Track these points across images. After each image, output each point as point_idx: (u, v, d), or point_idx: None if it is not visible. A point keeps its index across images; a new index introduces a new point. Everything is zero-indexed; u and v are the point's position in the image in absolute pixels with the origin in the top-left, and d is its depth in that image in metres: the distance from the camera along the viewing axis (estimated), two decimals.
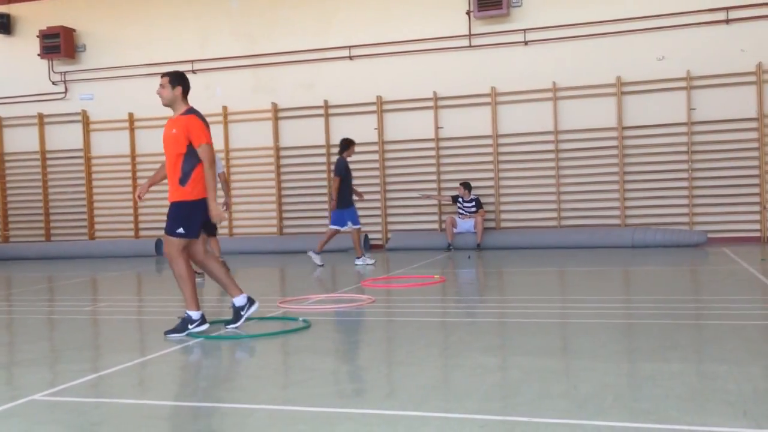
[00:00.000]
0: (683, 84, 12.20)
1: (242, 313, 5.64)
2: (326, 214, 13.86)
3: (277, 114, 14.09)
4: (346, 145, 10.80)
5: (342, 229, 10.66)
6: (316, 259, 10.67)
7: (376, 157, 13.64)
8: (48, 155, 15.27)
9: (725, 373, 3.78)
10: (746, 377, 3.69)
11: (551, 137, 12.80)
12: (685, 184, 12.33)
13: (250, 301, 5.70)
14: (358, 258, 10.73)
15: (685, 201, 12.34)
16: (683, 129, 12.26)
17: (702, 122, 12.18)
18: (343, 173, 10.61)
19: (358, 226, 10.76)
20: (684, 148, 12.29)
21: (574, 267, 9.68)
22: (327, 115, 13.82)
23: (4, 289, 9.73)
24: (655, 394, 3.43)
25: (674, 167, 12.38)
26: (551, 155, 12.85)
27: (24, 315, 7.11)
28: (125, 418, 3.43)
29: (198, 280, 9.60)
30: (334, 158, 13.79)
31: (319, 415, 3.29)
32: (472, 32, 13.10)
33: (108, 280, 9.99)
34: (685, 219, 12.32)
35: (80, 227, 15.21)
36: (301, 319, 5.79)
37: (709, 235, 11.91)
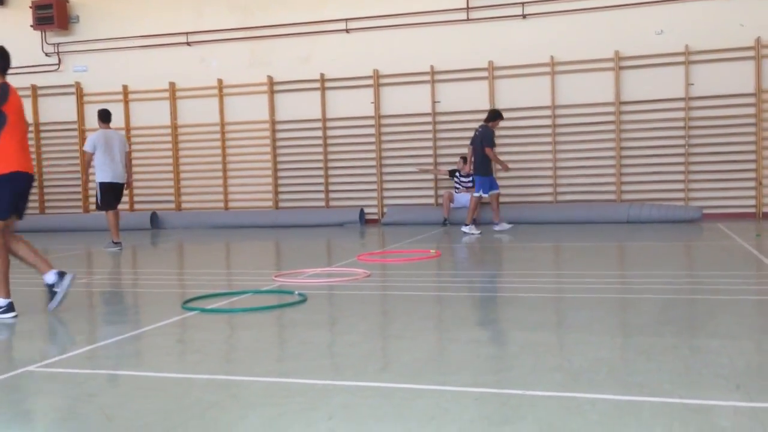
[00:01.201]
0: (681, 59, 12.14)
1: (55, 289, 5.38)
2: (322, 188, 13.85)
3: (272, 87, 14.00)
4: (495, 115, 11.15)
5: (485, 195, 11.16)
6: (473, 229, 10.94)
7: (372, 131, 13.59)
8: (42, 127, 15.17)
9: (718, 348, 3.80)
10: (739, 352, 3.71)
11: (548, 112, 12.76)
12: (681, 159, 12.32)
13: (61, 275, 5.40)
14: (496, 224, 11.36)
15: (681, 177, 12.35)
16: (681, 104, 12.22)
17: (700, 97, 12.14)
18: (493, 143, 11.07)
19: (497, 191, 11.37)
20: (681, 124, 12.27)
21: (570, 242, 9.70)
22: (323, 89, 13.74)
23: None
24: (648, 368, 3.45)
25: (671, 143, 12.37)
26: (548, 130, 12.81)
27: (19, 287, 7.10)
28: (121, 390, 3.44)
29: (116, 249, 10.14)
30: (331, 132, 13.81)
31: (314, 388, 3.30)
32: (470, 5, 12.99)
33: (102, 253, 9.97)
34: (681, 195, 12.33)
35: (75, 200, 15.16)
36: (296, 292, 5.80)
37: (705, 211, 11.94)
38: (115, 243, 10.28)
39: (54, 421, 3.03)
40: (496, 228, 11.30)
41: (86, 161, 10.66)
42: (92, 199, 11.52)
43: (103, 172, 10.32)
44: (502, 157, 13.05)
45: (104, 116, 10.63)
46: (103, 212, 10.56)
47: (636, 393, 3.05)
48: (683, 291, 5.71)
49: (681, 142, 12.31)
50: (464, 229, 11.07)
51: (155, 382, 3.53)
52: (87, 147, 10.42)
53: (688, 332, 4.36)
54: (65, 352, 4.13)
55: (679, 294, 5.53)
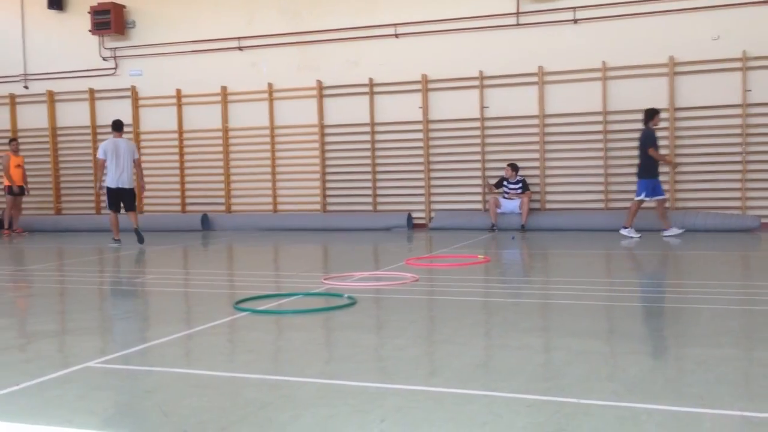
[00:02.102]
0: (739, 65, 11.85)
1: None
2: (369, 192, 13.89)
3: (321, 91, 14.11)
4: (651, 114, 10.95)
5: (647, 199, 10.90)
6: (632, 233, 10.86)
7: (420, 136, 13.58)
8: (98, 130, 15.54)
9: None
10: None
11: (600, 118, 12.58)
12: (738, 167, 12.01)
13: None
14: (666, 230, 11.03)
15: (737, 185, 12.04)
16: (737, 111, 11.93)
17: (757, 104, 11.83)
18: (656, 143, 10.87)
19: (663, 197, 11.05)
20: (738, 131, 11.97)
21: (622, 249, 9.54)
22: (372, 93, 13.79)
23: (57, 259, 10.00)
24: (706, 378, 3.37)
25: (727, 150, 12.07)
26: (599, 136, 12.63)
27: (76, 285, 7.30)
28: (176, 387, 3.50)
29: (114, 245, 11.06)
30: (379, 136, 13.85)
31: (365, 390, 3.31)
32: (520, 10, 12.90)
33: (156, 253, 10.18)
34: (738, 203, 12.03)
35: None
36: (345, 295, 5.82)
37: (763, 220, 11.62)
38: (116, 240, 11.32)
39: (113, 416, 3.10)
40: (666, 234, 10.92)
41: (99, 166, 11.38)
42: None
43: (108, 177, 11.14)
44: (549, 163, 12.95)
45: (116, 126, 11.49)
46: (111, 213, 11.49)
47: (695, 404, 2.99)
48: (741, 302, 5.57)
49: (737, 149, 12.01)
50: (623, 232, 10.93)
51: (209, 381, 3.59)
52: (99, 154, 11.24)
53: (747, 343, 4.25)
54: (123, 350, 4.22)
55: (736, 304, 5.40)
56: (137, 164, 11.52)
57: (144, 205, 15.39)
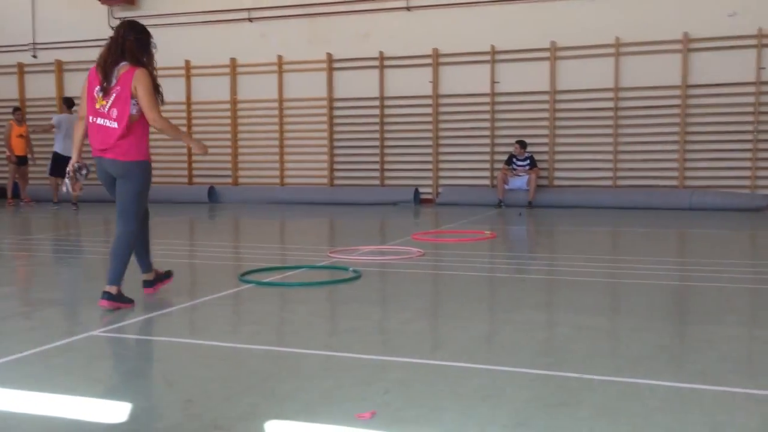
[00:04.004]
0: (754, 42, 11.70)
1: None
2: (377, 167, 13.85)
3: (331, 64, 14.02)
4: None
5: None
6: None
7: (429, 110, 13.50)
8: None
9: None
10: None
11: (611, 94, 12.47)
12: (748, 146, 11.91)
13: None
14: None
15: (747, 164, 11.95)
16: (751, 89, 11.80)
17: None
18: None
19: None
20: (750, 109, 11.85)
21: (629, 228, 9.50)
22: (382, 67, 13.69)
23: (64, 229, 10.04)
24: (710, 356, 3.36)
25: (738, 128, 11.96)
26: (610, 113, 12.53)
27: (81, 255, 7.33)
28: (182, 356, 3.52)
29: (56, 208, 12.76)
30: (388, 111, 13.77)
31: (370, 363, 3.32)
32: None
33: (162, 225, 10.20)
34: (747, 182, 11.94)
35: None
36: (351, 269, 5.82)
37: None
38: (55, 203, 13.23)
39: (117, 385, 3.12)
40: None
41: (46, 128, 13.42)
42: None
43: (60, 144, 12.79)
44: (559, 140, 12.87)
45: (69, 103, 13.19)
46: (52, 178, 13.06)
47: (698, 381, 2.98)
48: (746, 280, 5.54)
49: (749, 127, 11.90)
50: None
51: (214, 351, 3.60)
52: (54, 120, 12.95)
53: (752, 322, 4.24)
54: (127, 319, 4.24)
55: (741, 283, 5.37)
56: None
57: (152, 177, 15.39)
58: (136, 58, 4.55)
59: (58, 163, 12.53)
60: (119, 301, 4.47)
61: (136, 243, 4.78)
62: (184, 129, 15.02)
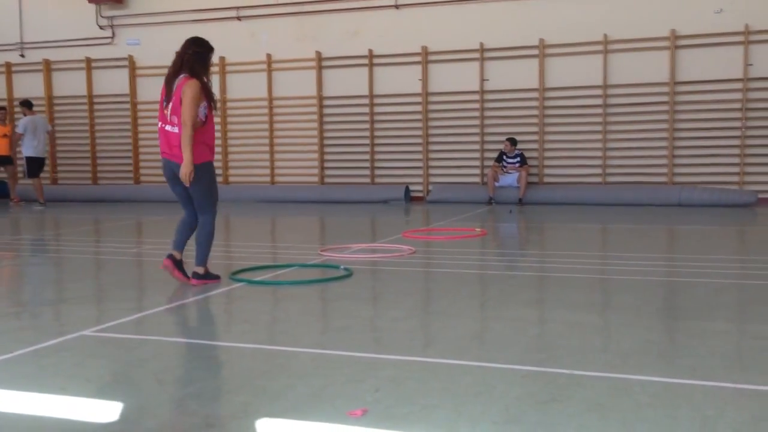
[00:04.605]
0: (741, 38, 11.77)
1: None
2: (367, 165, 13.85)
3: (321, 63, 14.00)
4: None
5: None
6: None
7: (419, 108, 13.51)
8: (95, 99, 15.46)
9: None
10: None
11: (600, 92, 12.51)
12: (736, 142, 11.98)
13: None
14: None
15: (736, 160, 12.02)
16: (738, 85, 11.86)
17: (758, 78, 11.76)
18: None
19: None
20: (738, 105, 11.92)
21: (618, 224, 9.55)
22: (371, 65, 13.69)
23: (53, 229, 9.99)
24: (700, 351, 3.39)
25: (726, 125, 12.03)
26: (599, 110, 12.57)
27: (72, 255, 7.30)
28: (172, 356, 3.51)
29: (42, 208, 12.82)
30: (378, 109, 13.77)
31: (361, 360, 3.32)
32: None
33: (153, 224, 10.18)
34: (735, 178, 12.01)
35: (126, 171, 15.45)
36: (342, 267, 5.83)
37: (760, 195, 11.62)
38: (41, 204, 13.15)
39: (108, 384, 3.12)
40: None
41: (16, 140, 13.50)
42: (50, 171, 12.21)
43: (29, 148, 13.15)
44: (548, 137, 12.90)
45: (28, 105, 13.45)
46: (33, 179, 13.29)
47: (687, 376, 3.00)
48: (735, 276, 5.58)
49: (737, 124, 11.96)
50: None
51: (205, 350, 3.60)
52: (19, 129, 13.24)
53: (741, 317, 4.27)
54: (118, 318, 4.23)
55: (730, 279, 5.41)
56: (50, 135, 13.84)
57: (141, 176, 15.36)
58: (192, 69, 5.09)
59: (33, 165, 13.14)
60: (206, 278, 5.26)
61: (195, 226, 5.42)
62: None
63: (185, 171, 5.04)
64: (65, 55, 15.44)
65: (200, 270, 5.26)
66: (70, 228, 10.07)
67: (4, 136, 13.93)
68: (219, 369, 3.31)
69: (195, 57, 5.14)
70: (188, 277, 5.31)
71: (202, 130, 5.08)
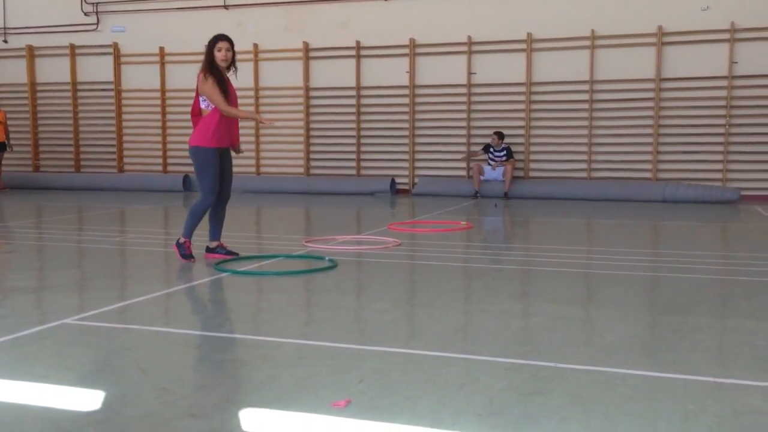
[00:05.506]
0: (726, 36, 11.84)
1: None
2: (354, 156, 13.82)
3: (308, 53, 13.94)
4: None
5: None
6: None
7: (406, 101, 13.50)
8: (79, 86, 15.30)
9: (754, 329, 3.74)
10: None
11: (586, 87, 12.56)
12: (720, 139, 12.07)
13: None
14: None
15: (719, 157, 12.11)
16: (723, 83, 11.95)
17: (743, 76, 11.85)
18: None
19: None
20: (722, 103, 12.00)
21: (603, 219, 9.59)
22: (358, 56, 13.65)
23: (35, 217, 9.90)
24: (681, 346, 3.41)
25: (711, 122, 12.12)
26: (585, 105, 12.62)
27: (54, 243, 7.24)
28: (154, 345, 3.49)
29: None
30: (365, 100, 13.73)
31: (345, 352, 3.32)
32: None
33: (136, 213, 10.10)
34: (719, 175, 12.11)
35: (109, 160, 15.33)
36: (327, 258, 5.82)
37: (743, 192, 11.72)
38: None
39: (90, 372, 3.09)
40: None
41: None
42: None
43: None
44: (534, 131, 12.94)
45: None
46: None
47: (669, 370, 3.03)
48: (718, 271, 5.63)
49: (721, 121, 12.05)
50: None
51: (188, 339, 3.58)
52: None
53: (723, 312, 4.31)
54: (100, 307, 4.20)
55: (713, 274, 5.45)
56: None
57: (124, 165, 15.25)
58: (203, 63, 5.85)
59: None
60: (181, 251, 5.78)
61: (219, 214, 6.12)
62: (159, 117, 14.87)
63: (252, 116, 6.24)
64: (49, 41, 15.27)
65: (182, 239, 5.82)
66: (52, 216, 9.98)
67: None
68: (202, 359, 3.29)
69: (206, 51, 5.89)
70: (227, 253, 5.90)
71: (208, 118, 5.72)
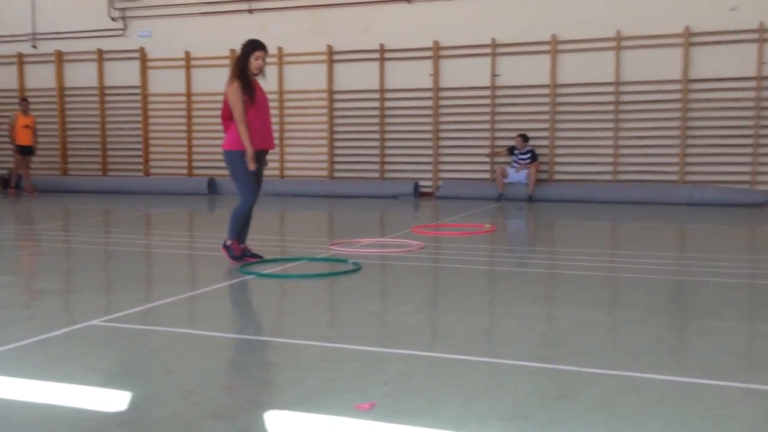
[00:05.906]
0: (755, 36, 11.67)
1: None
2: (377, 160, 13.82)
3: (332, 57, 13.98)
4: None
5: None
6: None
7: (430, 103, 13.48)
8: (106, 91, 15.50)
9: None
10: None
11: (612, 88, 12.45)
12: (749, 141, 11.90)
13: None
14: None
15: (748, 159, 11.94)
16: (752, 84, 11.78)
17: None
18: None
19: None
20: (751, 104, 11.83)
21: (629, 222, 9.50)
22: (382, 59, 13.66)
23: (63, 220, 10.03)
24: (709, 350, 3.36)
25: (739, 123, 11.95)
26: (611, 107, 12.51)
27: (81, 245, 7.33)
28: (180, 346, 3.52)
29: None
30: (388, 103, 13.74)
31: (369, 354, 3.32)
32: None
33: (162, 216, 10.20)
34: (747, 177, 11.93)
35: (136, 163, 15.50)
36: (350, 261, 5.82)
37: None
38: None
39: (116, 373, 3.12)
40: None
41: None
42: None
43: None
44: (559, 134, 12.85)
45: None
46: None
47: (697, 375, 2.98)
48: (746, 275, 5.54)
49: (750, 123, 11.88)
50: None
51: (213, 341, 3.60)
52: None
53: (751, 317, 4.24)
54: (127, 309, 4.24)
55: (741, 278, 5.37)
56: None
57: (150, 168, 15.40)
58: (233, 69, 5.86)
59: None
60: (228, 251, 5.84)
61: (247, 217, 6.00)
62: (185, 120, 14.99)
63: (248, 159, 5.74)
64: (77, 47, 15.48)
65: (228, 242, 5.90)
66: (79, 219, 10.11)
67: (26, 126, 14.05)
68: (227, 360, 3.30)
69: (239, 57, 5.84)
70: (252, 256, 5.92)
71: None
